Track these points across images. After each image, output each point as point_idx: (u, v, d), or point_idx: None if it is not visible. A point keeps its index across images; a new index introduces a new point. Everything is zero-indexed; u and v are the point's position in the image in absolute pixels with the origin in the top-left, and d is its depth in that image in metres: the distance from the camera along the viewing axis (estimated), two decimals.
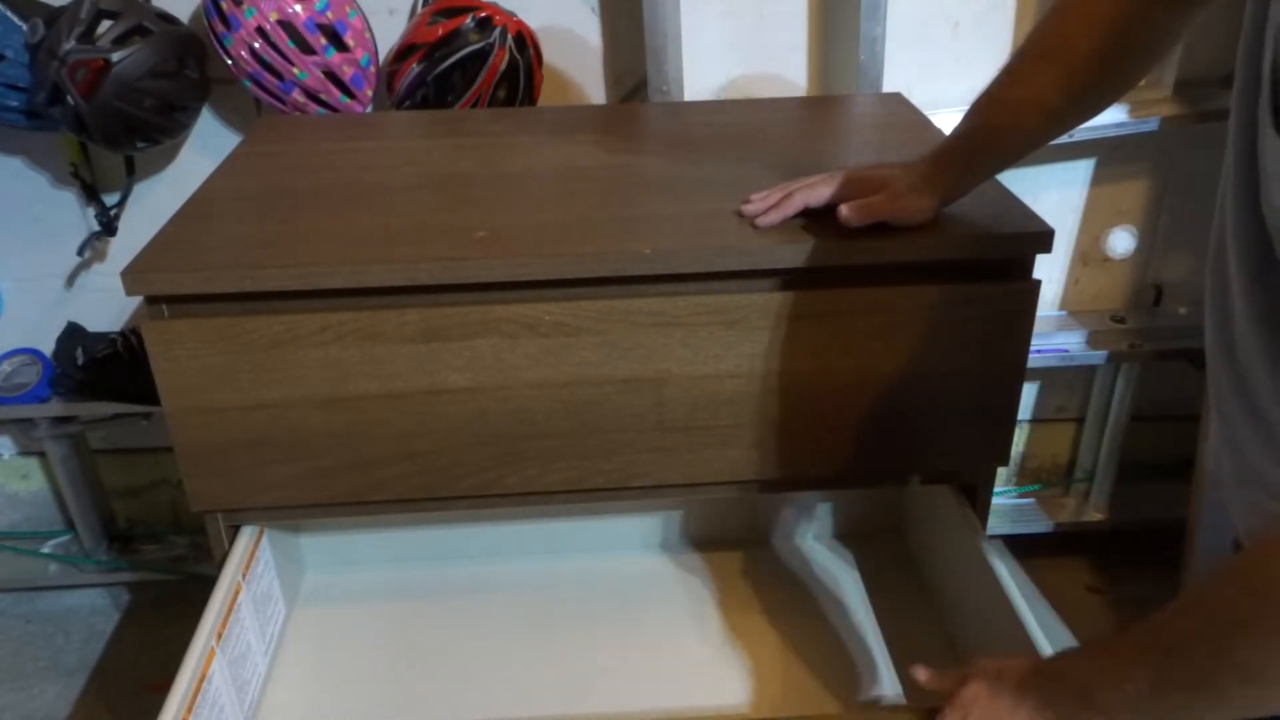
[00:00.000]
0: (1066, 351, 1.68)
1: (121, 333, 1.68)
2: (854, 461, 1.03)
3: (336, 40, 1.40)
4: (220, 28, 1.37)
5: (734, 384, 0.97)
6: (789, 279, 0.94)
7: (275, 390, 0.94)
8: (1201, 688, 0.59)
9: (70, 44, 1.33)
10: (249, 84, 1.40)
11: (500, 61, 1.40)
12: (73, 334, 1.70)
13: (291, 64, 1.37)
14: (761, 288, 0.94)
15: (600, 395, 0.97)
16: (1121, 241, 1.70)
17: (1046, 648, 0.85)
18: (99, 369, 1.65)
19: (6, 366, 1.72)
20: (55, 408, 1.68)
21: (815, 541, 1.20)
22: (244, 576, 1.02)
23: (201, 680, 0.90)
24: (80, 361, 1.67)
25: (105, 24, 1.36)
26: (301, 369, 0.94)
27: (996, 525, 1.81)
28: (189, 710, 0.86)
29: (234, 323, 0.92)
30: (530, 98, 1.46)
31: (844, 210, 0.91)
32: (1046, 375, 1.83)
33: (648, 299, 0.93)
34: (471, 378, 0.95)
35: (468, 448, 0.99)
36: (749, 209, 0.96)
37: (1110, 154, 1.64)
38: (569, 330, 0.94)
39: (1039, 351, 1.67)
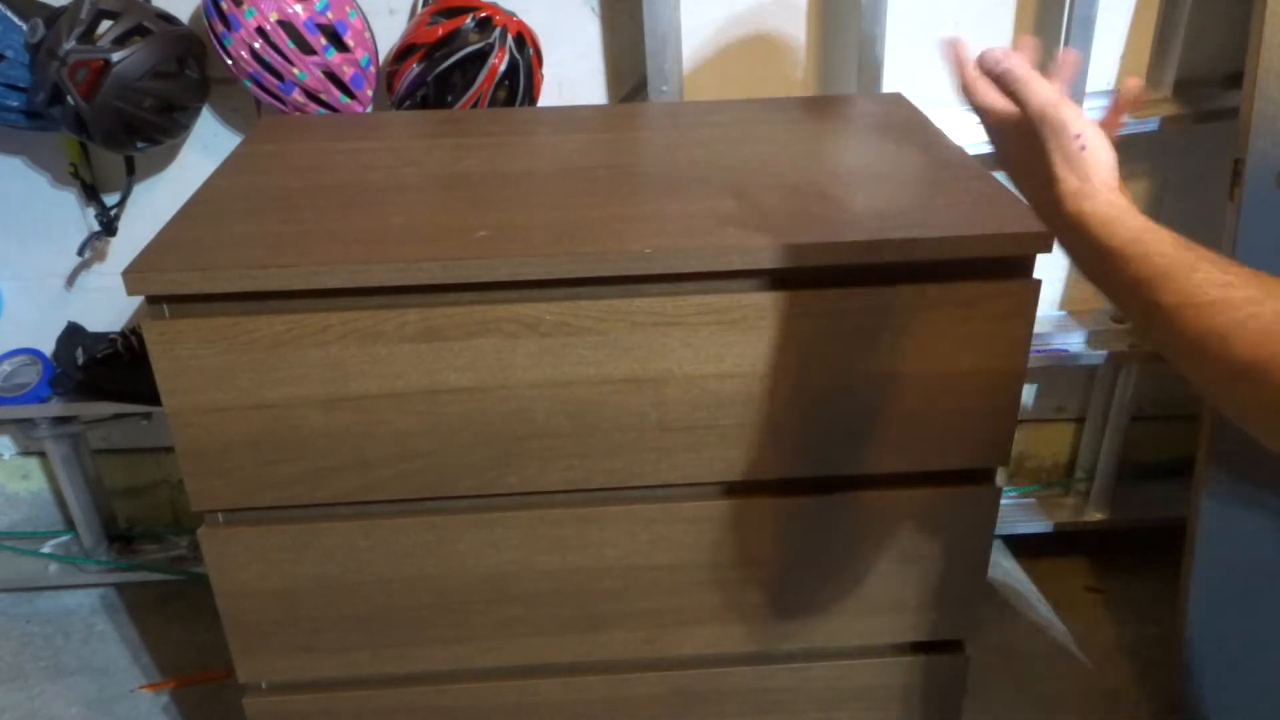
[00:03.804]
0: (1066, 351, 1.68)
1: (121, 333, 1.68)
2: (854, 462, 1.03)
3: (336, 40, 1.40)
4: (220, 28, 1.37)
5: (734, 384, 0.97)
6: (789, 279, 0.94)
7: (276, 390, 0.95)
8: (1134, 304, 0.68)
9: (70, 44, 1.33)
10: (249, 84, 1.40)
11: (500, 61, 1.40)
12: (73, 334, 1.71)
13: (291, 64, 1.37)
14: (761, 287, 0.94)
15: (600, 395, 0.97)
16: None
17: None
18: (99, 369, 1.65)
19: (6, 366, 1.72)
20: (55, 408, 1.68)
21: None
22: None
23: None
24: (80, 361, 1.67)
25: (105, 24, 1.36)
26: (302, 369, 0.94)
27: (997, 525, 1.81)
28: None
29: (235, 322, 0.92)
30: (530, 98, 1.46)
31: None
32: (1046, 375, 1.83)
33: (648, 299, 0.93)
34: (472, 377, 0.95)
35: (468, 447, 0.99)
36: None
37: None
38: (569, 330, 0.94)
39: (1039, 351, 1.67)
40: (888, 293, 0.94)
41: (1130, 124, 1.54)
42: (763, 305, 0.94)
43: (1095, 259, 0.72)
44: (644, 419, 0.98)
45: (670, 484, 1.02)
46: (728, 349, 0.95)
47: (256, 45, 1.36)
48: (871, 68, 1.49)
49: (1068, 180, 0.77)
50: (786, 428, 1.00)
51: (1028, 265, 0.96)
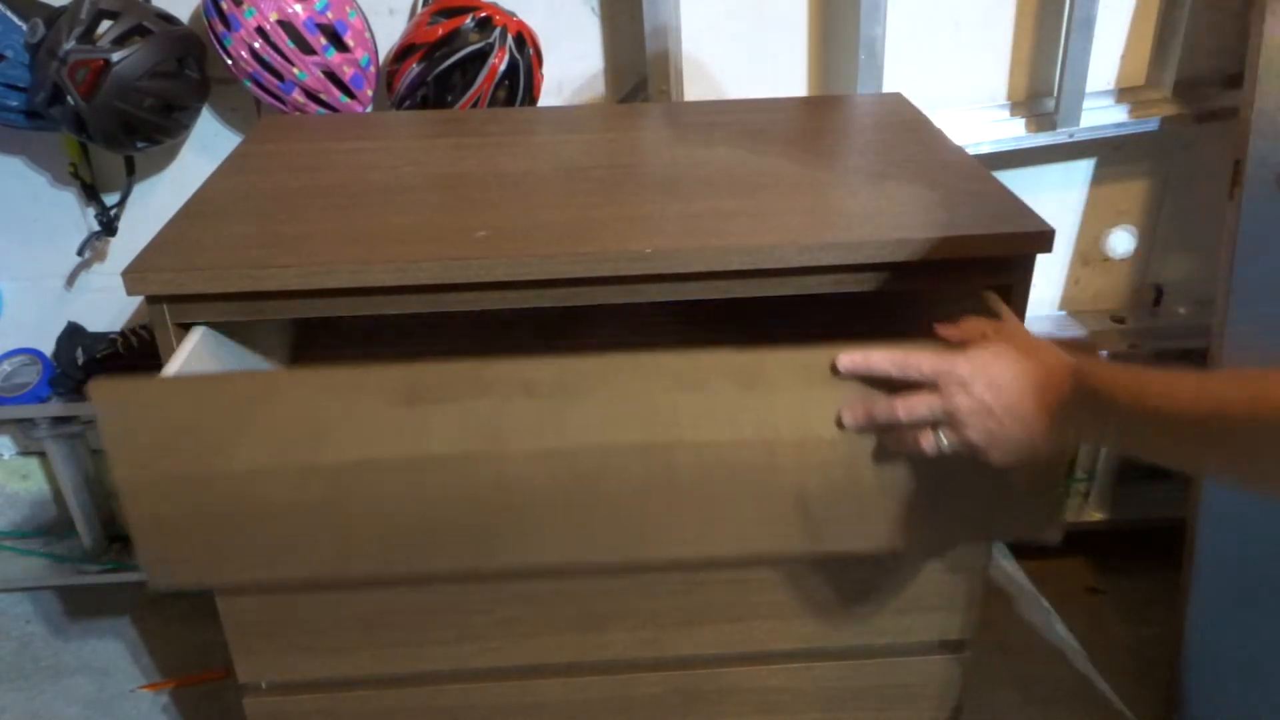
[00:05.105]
0: None
1: (121, 333, 1.68)
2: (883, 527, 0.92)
3: (336, 40, 1.40)
4: (220, 28, 1.37)
5: (752, 451, 0.86)
6: (792, 276, 0.94)
7: (239, 458, 0.83)
8: (1213, 456, 0.64)
9: (70, 44, 1.33)
10: (249, 84, 1.40)
11: (500, 61, 1.40)
12: (73, 334, 1.71)
13: (291, 64, 1.37)
14: (764, 287, 0.94)
15: (603, 463, 0.86)
16: (1121, 241, 1.70)
17: None
18: (99, 369, 1.65)
19: (6, 366, 1.72)
20: (55, 408, 1.68)
21: None
22: None
23: None
24: (80, 361, 1.67)
25: (105, 24, 1.36)
26: (269, 434, 0.83)
27: None
28: None
29: (192, 386, 0.84)
30: (530, 98, 1.46)
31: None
32: None
33: (656, 358, 0.83)
34: (460, 444, 0.84)
35: (455, 519, 0.88)
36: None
37: (1110, 154, 1.64)
38: (569, 392, 0.83)
39: None
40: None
41: (1130, 124, 1.54)
42: (781, 363, 0.84)
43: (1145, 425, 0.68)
44: (651, 488, 0.87)
45: (681, 557, 0.94)
46: (743, 412, 0.84)
47: (256, 45, 1.36)
48: (871, 68, 1.49)
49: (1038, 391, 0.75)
50: (810, 496, 0.88)
51: (1028, 265, 0.96)
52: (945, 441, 0.78)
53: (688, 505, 0.88)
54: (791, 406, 0.84)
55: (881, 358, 0.79)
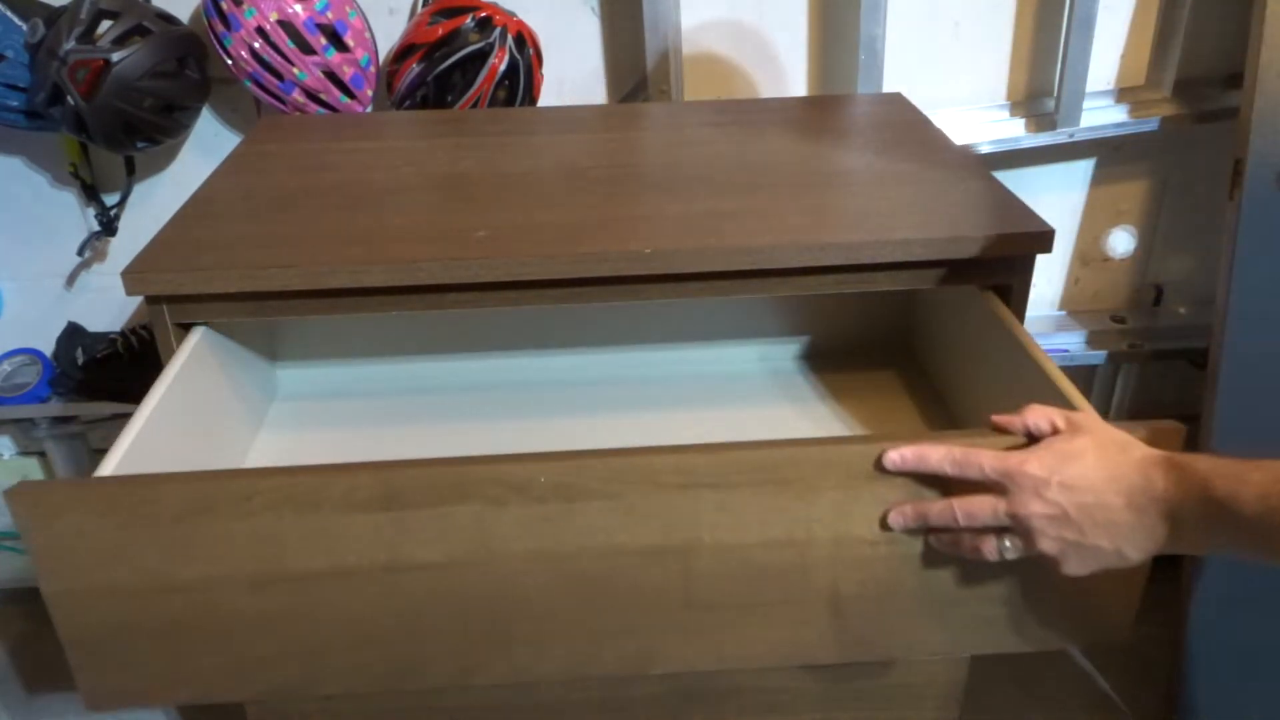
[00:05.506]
0: (1066, 351, 1.68)
1: (121, 333, 1.68)
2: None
3: (336, 40, 1.40)
4: (220, 28, 1.37)
5: (781, 553, 0.78)
6: (792, 276, 0.94)
7: (190, 568, 0.75)
8: None
9: (70, 44, 1.33)
10: (249, 84, 1.40)
11: (500, 61, 1.40)
12: (73, 334, 1.71)
13: (291, 64, 1.37)
14: (765, 287, 0.94)
15: (611, 568, 0.78)
16: (1121, 241, 1.70)
17: None
18: (99, 369, 1.65)
19: (6, 366, 1.72)
20: (55, 408, 1.68)
21: None
22: None
23: None
24: (80, 361, 1.67)
25: (105, 24, 1.36)
26: (223, 543, 0.74)
27: None
28: None
29: (130, 491, 0.73)
30: (530, 98, 1.46)
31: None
32: None
33: (672, 456, 0.74)
34: (444, 551, 0.76)
35: (441, 632, 0.80)
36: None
37: (1110, 154, 1.64)
38: (570, 494, 0.74)
39: None
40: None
41: (1130, 124, 1.54)
42: (815, 459, 0.75)
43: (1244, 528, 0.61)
44: (666, 595, 0.80)
45: (700, 670, 0.85)
46: (774, 513, 0.76)
47: (256, 45, 1.36)
48: (872, 68, 1.49)
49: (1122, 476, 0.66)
50: (842, 601, 0.81)
51: (1028, 265, 0.96)
52: (1010, 549, 0.70)
53: (707, 613, 0.80)
54: (828, 506, 0.75)
55: (938, 454, 0.70)
